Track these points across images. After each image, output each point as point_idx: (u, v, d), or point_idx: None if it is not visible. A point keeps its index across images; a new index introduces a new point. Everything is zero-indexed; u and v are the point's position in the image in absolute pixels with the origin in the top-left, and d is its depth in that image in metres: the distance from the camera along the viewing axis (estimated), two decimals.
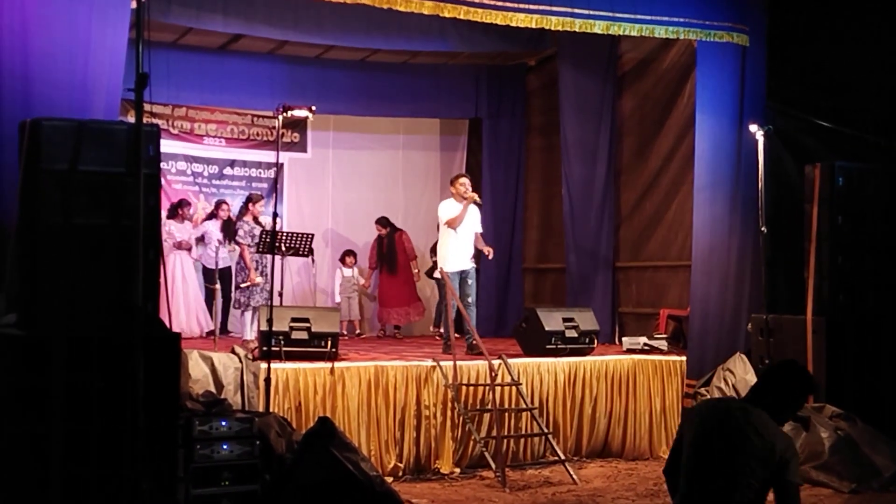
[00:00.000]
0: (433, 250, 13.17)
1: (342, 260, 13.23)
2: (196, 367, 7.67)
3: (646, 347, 10.37)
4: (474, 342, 9.69)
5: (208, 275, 11.94)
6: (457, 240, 10.15)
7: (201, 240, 12.24)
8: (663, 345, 10.44)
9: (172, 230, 11.96)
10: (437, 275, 12.70)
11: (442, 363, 8.89)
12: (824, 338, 9.00)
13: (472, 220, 10.28)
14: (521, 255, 13.72)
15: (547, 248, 13.66)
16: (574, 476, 8.60)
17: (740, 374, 9.26)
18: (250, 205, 11.44)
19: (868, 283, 9.30)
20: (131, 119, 6.65)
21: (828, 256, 9.19)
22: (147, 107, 5.32)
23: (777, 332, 9.28)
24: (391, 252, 13.10)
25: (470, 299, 10.16)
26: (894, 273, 9.39)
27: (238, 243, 11.13)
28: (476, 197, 10.19)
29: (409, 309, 13.13)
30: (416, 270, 13.33)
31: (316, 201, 13.92)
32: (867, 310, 9.24)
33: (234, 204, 12.74)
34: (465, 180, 10.37)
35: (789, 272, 9.72)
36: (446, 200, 10.40)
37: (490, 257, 10.64)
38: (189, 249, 12.11)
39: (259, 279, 10.80)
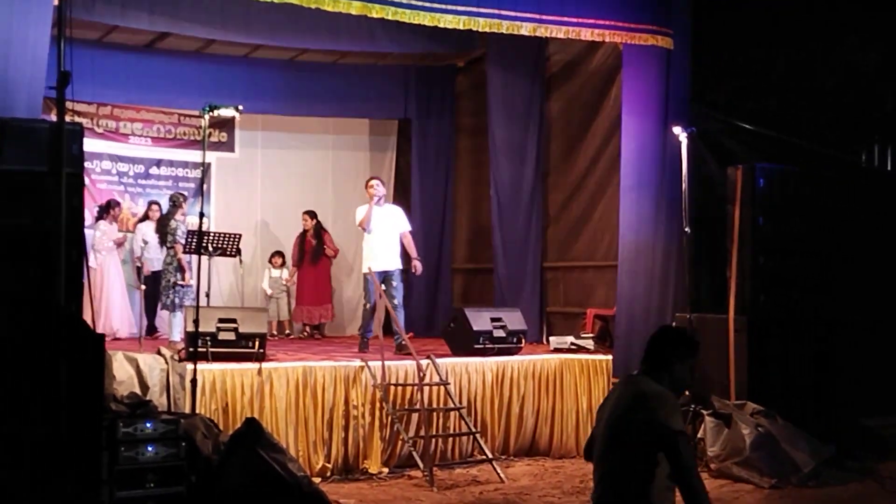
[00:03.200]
0: None
1: (270, 261, 13.18)
2: (121, 369, 7.58)
3: (573, 347, 10.47)
4: (403, 342, 9.70)
5: (138, 277, 11.73)
6: (374, 241, 10.28)
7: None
8: (590, 344, 10.54)
9: (106, 230, 11.82)
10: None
11: (370, 363, 8.89)
12: (746, 336, 9.16)
13: (394, 222, 10.34)
14: (450, 255, 13.77)
15: (476, 249, 13.71)
16: (501, 474, 8.66)
17: None
18: (182, 205, 11.30)
19: (789, 283, 9.48)
20: (54, 117, 6.56)
21: (749, 256, 9.36)
22: (70, 105, 5.29)
23: (701, 331, 9.38)
24: (318, 244, 13.01)
25: (396, 301, 10.18)
26: (814, 272, 9.59)
27: (176, 243, 10.93)
28: (375, 201, 10.30)
29: (321, 310, 13.08)
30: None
31: (244, 201, 13.81)
32: (788, 309, 9.42)
33: (162, 204, 12.59)
34: (374, 182, 10.55)
35: (713, 272, 9.89)
36: (363, 205, 10.53)
37: (417, 273, 10.66)
38: (120, 246, 11.98)
39: (192, 280, 10.68)
